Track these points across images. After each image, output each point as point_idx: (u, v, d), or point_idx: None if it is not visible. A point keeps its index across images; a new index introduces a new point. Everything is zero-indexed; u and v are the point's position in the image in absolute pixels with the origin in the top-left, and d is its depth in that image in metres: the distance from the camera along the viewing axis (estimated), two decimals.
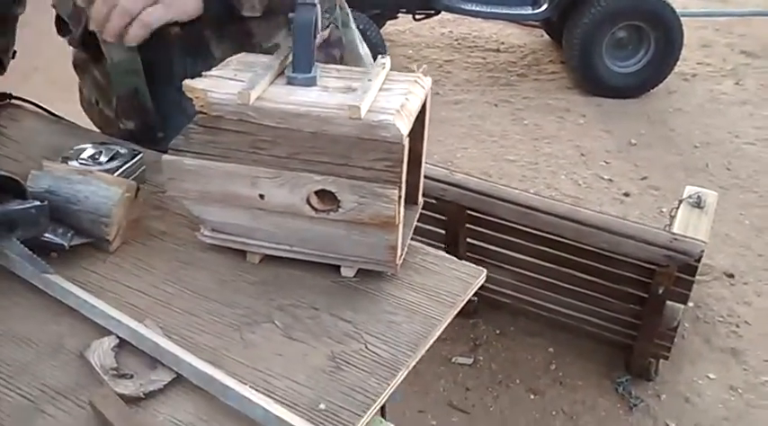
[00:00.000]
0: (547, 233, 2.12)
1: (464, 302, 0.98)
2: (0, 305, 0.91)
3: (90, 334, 0.87)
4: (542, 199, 2.08)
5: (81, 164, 1.09)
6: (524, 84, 4.20)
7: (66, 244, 0.98)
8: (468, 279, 1.00)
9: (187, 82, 0.92)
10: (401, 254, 0.99)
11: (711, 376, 2.44)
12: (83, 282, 0.95)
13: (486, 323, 2.48)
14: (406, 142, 0.86)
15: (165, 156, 0.93)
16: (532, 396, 2.35)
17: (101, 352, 0.83)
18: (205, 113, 0.90)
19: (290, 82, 0.93)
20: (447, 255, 1.05)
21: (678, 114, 3.98)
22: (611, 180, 3.44)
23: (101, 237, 1.00)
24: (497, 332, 2.52)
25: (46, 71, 3.97)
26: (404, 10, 4.23)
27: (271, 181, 0.91)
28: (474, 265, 1.03)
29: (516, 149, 3.61)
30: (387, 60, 0.98)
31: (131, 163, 1.11)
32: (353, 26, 1.43)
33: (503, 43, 4.76)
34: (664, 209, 3.23)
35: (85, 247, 1.01)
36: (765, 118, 3.95)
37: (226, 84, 0.92)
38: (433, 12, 4.24)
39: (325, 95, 0.91)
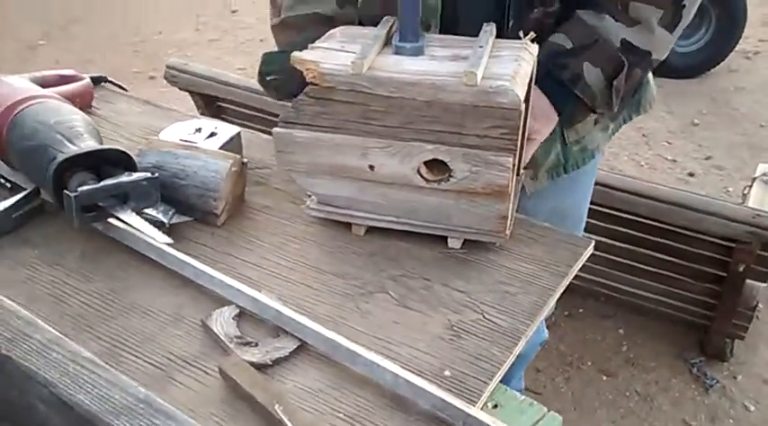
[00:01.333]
0: (621, 211, 2.08)
1: (575, 272, 0.97)
2: (118, 277, 0.93)
3: (209, 305, 0.88)
4: (617, 177, 2.04)
5: (183, 140, 1.09)
6: None
7: (166, 222, 0.99)
8: (577, 249, 0.99)
9: (296, 53, 0.92)
10: (510, 224, 0.98)
11: None
12: (194, 255, 0.95)
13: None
14: (523, 108, 0.85)
15: (276, 129, 0.94)
16: (604, 378, 2.32)
17: (222, 321, 0.84)
18: (316, 85, 0.90)
19: (398, 51, 0.93)
20: (552, 227, 1.03)
21: (741, 93, 3.88)
22: (674, 160, 3.37)
23: (208, 211, 1.01)
24: (566, 313, 2.50)
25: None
26: None
27: (381, 151, 0.91)
28: (580, 236, 1.02)
29: None
30: (492, 27, 0.96)
31: (230, 138, 1.12)
32: None
33: None
34: (730, 189, 3.15)
35: (192, 222, 1.02)
36: None
37: (335, 55, 0.92)
38: None
39: (435, 64, 0.90)
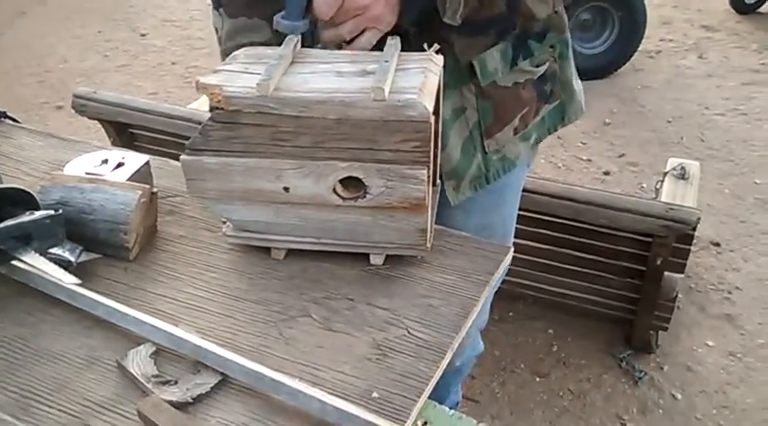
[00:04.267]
0: (541, 213, 2.12)
1: (496, 280, 0.97)
2: (27, 322, 0.88)
3: (125, 344, 0.84)
4: (534, 180, 2.07)
5: (89, 173, 1.05)
6: None
7: (74, 260, 0.94)
8: (497, 257, 1.00)
9: (200, 79, 0.90)
10: (430, 237, 0.97)
11: (710, 343, 2.46)
12: (106, 293, 0.91)
13: None
14: (433, 120, 0.85)
15: (184, 157, 0.91)
16: (538, 379, 2.35)
17: (139, 361, 0.81)
18: (222, 109, 0.88)
19: (276, 26, 0.92)
20: (470, 236, 1.04)
21: (647, 91, 4.03)
22: (589, 160, 3.47)
23: (119, 246, 0.97)
24: (496, 318, 2.52)
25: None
26: None
27: (295, 172, 0.89)
28: (499, 244, 1.03)
29: None
30: (397, 41, 0.96)
31: (139, 168, 1.08)
32: (571, 57, 1.26)
33: None
34: (644, 185, 3.26)
35: (102, 258, 0.98)
36: (731, 88, 4.01)
37: (239, 77, 0.90)
38: None
39: (343, 80, 0.89)
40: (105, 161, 1.09)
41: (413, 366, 0.82)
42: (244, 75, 0.90)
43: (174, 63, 4.37)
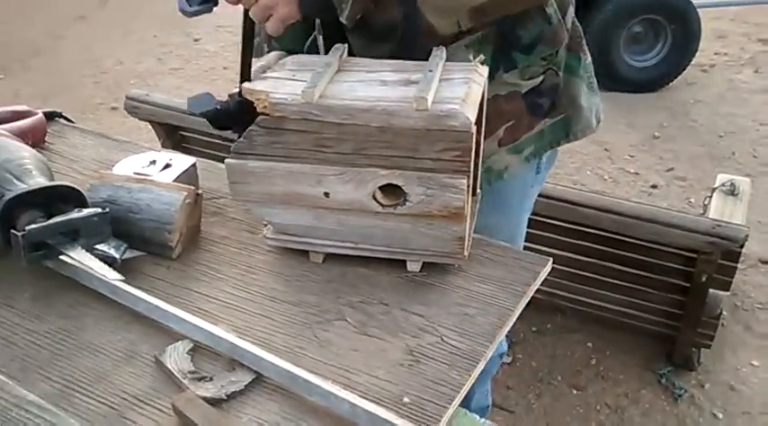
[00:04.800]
0: (585, 226, 2.09)
1: (533, 291, 0.97)
2: (71, 315, 0.91)
3: (163, 340, 0.86)
4: (581, 193, 2.05)
5: (137, 173, 1.08)
6: None
7: (118, 257, 0.97)
8: (535, 268, 0.99)
9: (246, 84, 0.92)
10: (468, 245, 0.98)
11: (755, 363, 2.40)
12: (149, 289, 0.94)
13: (521, 321, 2.45)
14: (474, 130, 0.85)
15: (229, 160, 0.93)
16: (575, 392, 2.32)
17: (176, 357, 0.83)
18: (267, 115, 0.90)
19: (181, 9, 0.96)
20: (509, 246, 1.04)
21: (699, 105, 3.95)
22: (636, 173, 3.42)
23: (163, 244, 0.99)
24: (534, 329, 2.50)
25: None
26: None
27: (336, 178, 0.91)
28: (538, 254, 1.02)
29: None
30: (443, 51, 0.97)
31: (185, 170, 1.11)
32: (583, 73, 1.21)
33: None
34: (692, 200, 3.19)
35: (146, 256, 1.01)
36: None
37: (286, 84, 0.92)
38: None
39: (387, 89, 0.90)
40: (153, 162, 1.11)
41: (445, 373, 0.82)
42: (290, 82, 0.92)
43: (225, 68, 4.44)
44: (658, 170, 3.45)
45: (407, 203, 0.90)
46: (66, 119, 1.39)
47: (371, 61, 0.98)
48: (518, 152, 1.20)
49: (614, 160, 3.54)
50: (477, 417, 0.80)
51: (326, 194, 0.92)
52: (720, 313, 2.21)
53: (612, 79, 4.02)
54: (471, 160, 0.87)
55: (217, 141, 2.38)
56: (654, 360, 2.40)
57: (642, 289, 2.24)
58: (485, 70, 0.95)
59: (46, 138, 1.30)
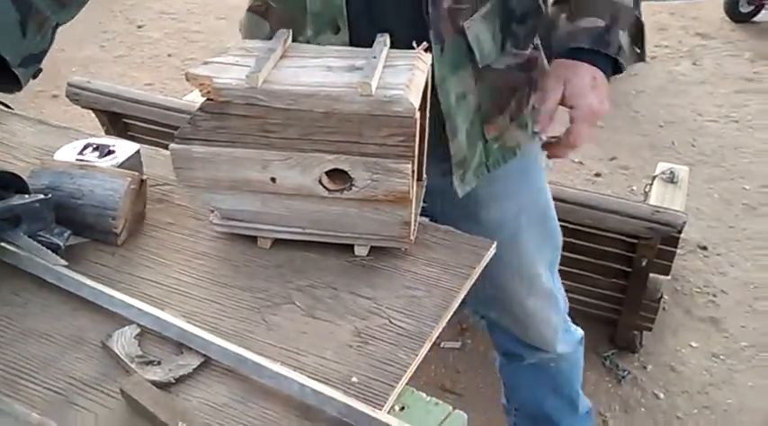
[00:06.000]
0: None
1: (477, 273, 0.99)
2: (14, 302, 0.90)
3: (110, 325, 0.86)
4: None
5: (79, 160, 1.07)
6: None
7: (62, 244, 0.95)
8: (480, 251, 1.02)
9: (190, 70, 0.92)
10: (414, 230, 0.99)
11: (694, 344, 2.49)
12: (94, 276, 0.93)
13: (469, 307, 2.49)
14: (418, 115, 0.87)
15: (173, 145, 0.93)
16: None
17: (123, 342, 0.83)
18: (212, 100, 0.90)
19: None
20: (455, 230, 1.06)
21: (641, 96, 4.06)
22: (581, 162, 3.49)
23: (107, 231, 0.98)
24: (482, 316, 2.55)
25: None
26: None
27: (282, 163, 0.91)
28: (482, 238, 1.05)
29: None
30: (386, 38, 0.98)
31: (129, 156, 1.10)
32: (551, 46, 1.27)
33: None
34: (634, 187, 3.28)
35: (90, 242, 1.00)
36: (724, 96, 4.04)
37: (230, 69, 0.92)
38: None
39: (332, 75, 0.91)
40: (96, 148, 1.10)
41: (393, 353, 0.84)
42: (234, 68, 0.92)
43: (169, 55, 4.37)
44: (602, 159, 3.53)
45: (354, 188, 0.91)
46: (4, 105, 1.36)
47: (316, 47, 0.99)
48: (523, 127, 1.25)
49: None
50: (424, 394, 0.82)
51: (273, 179, 0.92)
52: (661, 296, 2.28)
53: None
54: (416, 145, 0.89)
55: (161, 129, 2.35)
56: (598, 343, 2.46)
57: (585, 274, 2.30)
58: (428, 57, 0.97)
59: None
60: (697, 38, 4.73)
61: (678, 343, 2.49)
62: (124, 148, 1.11)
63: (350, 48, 0.99)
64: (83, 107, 2.48)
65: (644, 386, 2.34)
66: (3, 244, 0.92)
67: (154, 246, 1.01)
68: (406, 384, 0.83)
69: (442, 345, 2.41)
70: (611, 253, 2.18)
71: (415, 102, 0.86)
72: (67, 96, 2.46)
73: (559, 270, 2.33)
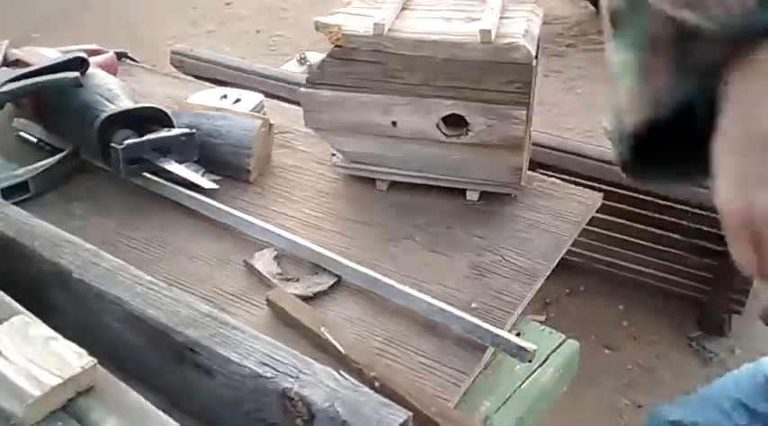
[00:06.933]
0: (619, 187, 2.14)
1: (586, 222, 1.04)
2: (163, 227, 0.99)
3: (250, 249, 0.94)
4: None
5: (211, 106, 1.16)
6: (575, 55, 4.20)
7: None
8: (587, 201, 1.06)
9: (319, 19, 0.98)
10: (524, 176, 1.04)
11: None
12: (231, 207, 1.01)
13: (555, 282, 2.50)
14: (535, 63, 0.92)
15: (302, 89, 1.00)
16: (607, 351, 2.38)
17: (264, 261, 0.91)
18: (339, 46, 0.96)
19: None
20: (562, 182, 1.10)
21: None
22: None
23: (241, 168, 1.07)
24: (567, 291, 2.56)
25: None
26: None
27: (403, 107, 0.98)
28: (590, 190, 1.09)
29: (572, 118, 3.61)
30: None
31: (256, 104, 1.18)
32: None
33: (547, 15, 4.74)
34: None
35: (224, 179, 1.08)
36: None
37: (356, 19, 0.98)
38: None
39: (451, 25, 0.96)
40: (225, 96, 1.19)
41: (508, 286, 0.90)
42: (359, 17, 0.99)
43: (258, 32, 4.50)
44: None
45: (470, 133, 0.97)
46: (132, 59, 1.47)
47: (433, 0, 1.04)
48: None
49: None
50: (538, 324, 0.87)
51: (394, 123, 0.99)
52: (753, 279, 2.25)
53: None
54: (532, 92, 0.93)
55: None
56: (685, 324, 2.44)
57: (676, 253, 2.28)
58: (540, 10, 1.01)
59: (116, 76, 1.38)
60: None
61: None
62: (250, 97, 1.19)
63: (467, 0, 1.04)
64: (185, 73, 2.61)
65: (732, 369, 2.31)
66: (151, 174, 1.01)
67: (281, 185, 1.09)
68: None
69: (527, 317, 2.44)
70: (704, 231, 2.16)
71: (533, 49, 0.91)
72: (171, 63, 2.58)
73: (647, 248, 2.33)
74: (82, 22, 4.71)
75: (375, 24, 0.94)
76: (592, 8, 4.73)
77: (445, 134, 0.99)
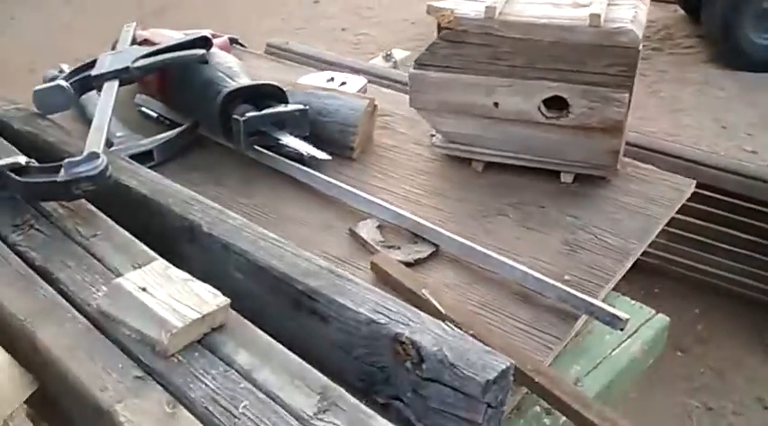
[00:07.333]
0: (702, 187, 2.12)
1: (678, 206, 1.06)
2: (273, 195, 1.07)
3: (354, 218, 1.01)
4: (702, 152, 2.09)
5: (319, 87, 1.23)
6: (659, 58, 4.15)
7: (305, 153, 1.10)
8: (680, 187, 1.08)
9: (431, 3, 1.04)
10: (620, 160, 1.07)
11: None
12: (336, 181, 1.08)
13: (630, 284, 2.50)
14: (641, 47, 0.95)
15: (412, 70, 1.06)
16: (679, 353, 2.36)
17: (368, 230, 0.97)
18: (450, 29, 1.02)
19: None
20: (655, 168, 1.13)
21: None
22: (754, 151, 3.36)
23: (346, 145, 1.14)
24: (642, 292, 2.55)
25: None
26: None
27: (506, 89, 1.02)
28: (682, 177, 1.11)
29: (655, 121, 3.58)
30: None
31: (360, 88, 1.25)
32: None
33: None
34: None
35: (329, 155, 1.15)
36: None
37: (467, 3, 1.04)
38: None
39: (558, 10, 1.01)
40: (331, 79, 1.26)
41: (600, 262, 0.93)
42: (468, 2, 1.04)
43: (344, 29, 4.61)
44: None
45: (570, 115, 1.01)
46: (240, 44, 1.56)
47: None
48: None
49: (731, 137, 3.50)
50: (629, 299, 0.91)
51: (496, 104, 1.04)
52: None
53: (735, 57, 3.96)
54: (634, 76, 0.97)
55: None
56: (761, 330, 2.40)
57: (756, 256, 2.25)
58: (647, 0, 1.04)
59: None
60: None
61: None
62: (355, 81, 1.26)
63: None
64: None
65: None
66: (262, 149, 1.09)
67: (382, 163, 1.15)
68: None
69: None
70: None
71: (640, 34, 0.94)
72: (267, 55, 2.69)
73: (728, 251, 2.30)
74: (174, 19, 4.92)
75: (487, 8, 0.99)
76: (681, 11, 4.66)
77: (545, 115, 1.03)
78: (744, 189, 2.03)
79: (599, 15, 0.94)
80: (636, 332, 0.89)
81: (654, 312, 0.90)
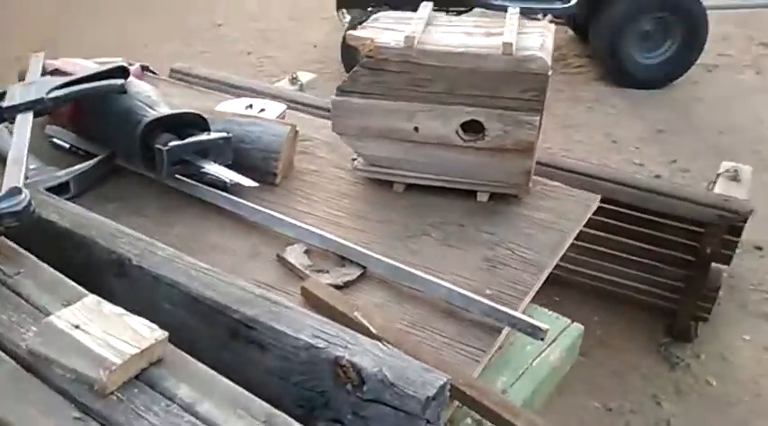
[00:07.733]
0: (604, 201, 2.23)
1: (586, 220, 1.13)
2: (195, 224, 1.07)
3: (280, 243, 1.02)
4: (598, 166, 2.21)
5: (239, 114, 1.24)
6: (553, 77, 4.36)
7: (228, 181, 1.10)
8: (587, 202, 1.16)
9: (351, 32, 1.08)
10: (531, 179, 1.14)
11: (746, 337, 2.54)
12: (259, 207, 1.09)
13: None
14: (551, 73, 1.02)
15: (334, 97, 1.09)
16: (581, 358, 2.47)
17: (295, 255, 0.99)
18: (371, 57, 1.06)
19: None
20: (562, 185, 1.20)
21: (702, 103, 4.11)
22: (641, 164, 3.58)
23: (268, 171, 1.15)
24: (543, 302, 2.66)
25: None
26: (436, 7, 4.36)
27: (426, 114, 1.07)
28: (588, 192, 1.19)
29: (549, 136, 3.74)
30: (516, 10, 1.13)
31: (280, 113, 1.27)
32: None
33: None
34: None
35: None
36: None
37: (384, 32, 1.08)
38: (465, 9, 4.37)
39: (472, 39, 1.06)
40: (250, 106, 1.27)
41: (518, 276, 0.99)
42: (387, 32, 1.08)
43: (248, 53, 4.59)
44: (662, 161, 3.61)
45: (486, 138, 1.06)
46: (151, 72, 1.54)
47: (453, 17, 1.14)
48: None
49: (620, 151, 3.70)
50: (546, 310, 0.96)
51: (416, 128, 1.08)
52: (720, 286, 2.36)
53: (621, 75, 4.20)
54: (545, 100, 1.03)
55: None
56: (655, 332, 2.53)
57: (648, 263, 2.37)
58: (552, 27, 1.12)
59: None
60: (761, 47, 4.77)
61: (731, 336, 2.54)
62: (274, 107, 1.28)
63: (485, 18, 1.14)
64: None
65: (697, 373, 2.41)
66: (183, 178, 1.09)
67: (304, 187, 1.17)
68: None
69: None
70: (676, 242, 2.26)
71: (549, 60, 1.01)
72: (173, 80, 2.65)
73: (624, 259, 2.43)
74: (72, 46, 4.75)
75: (406, 37, 1.03)
76: (571, 32, 4.90)
77: (463, 139, 1.08)
78: (638, 200, 2.16)
79: (511, 44, 1.00)
80: (554, 341, 0.94)
81: (569, 321, 0.96)
